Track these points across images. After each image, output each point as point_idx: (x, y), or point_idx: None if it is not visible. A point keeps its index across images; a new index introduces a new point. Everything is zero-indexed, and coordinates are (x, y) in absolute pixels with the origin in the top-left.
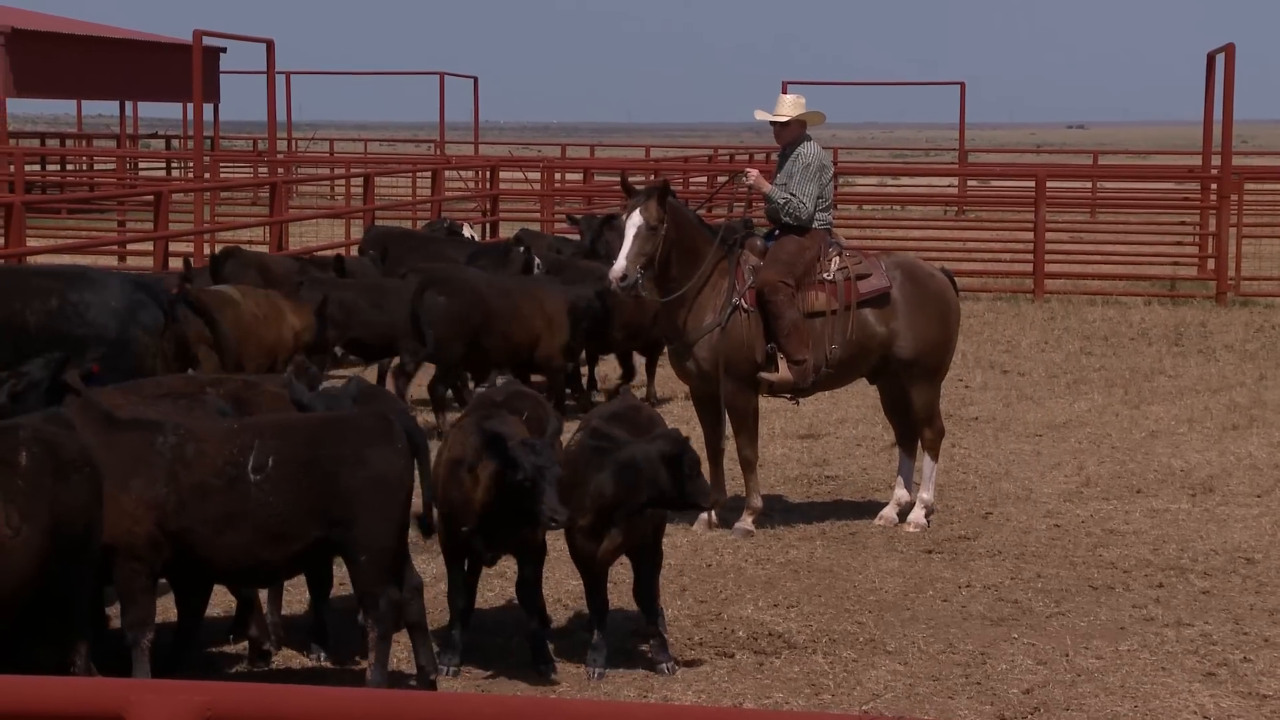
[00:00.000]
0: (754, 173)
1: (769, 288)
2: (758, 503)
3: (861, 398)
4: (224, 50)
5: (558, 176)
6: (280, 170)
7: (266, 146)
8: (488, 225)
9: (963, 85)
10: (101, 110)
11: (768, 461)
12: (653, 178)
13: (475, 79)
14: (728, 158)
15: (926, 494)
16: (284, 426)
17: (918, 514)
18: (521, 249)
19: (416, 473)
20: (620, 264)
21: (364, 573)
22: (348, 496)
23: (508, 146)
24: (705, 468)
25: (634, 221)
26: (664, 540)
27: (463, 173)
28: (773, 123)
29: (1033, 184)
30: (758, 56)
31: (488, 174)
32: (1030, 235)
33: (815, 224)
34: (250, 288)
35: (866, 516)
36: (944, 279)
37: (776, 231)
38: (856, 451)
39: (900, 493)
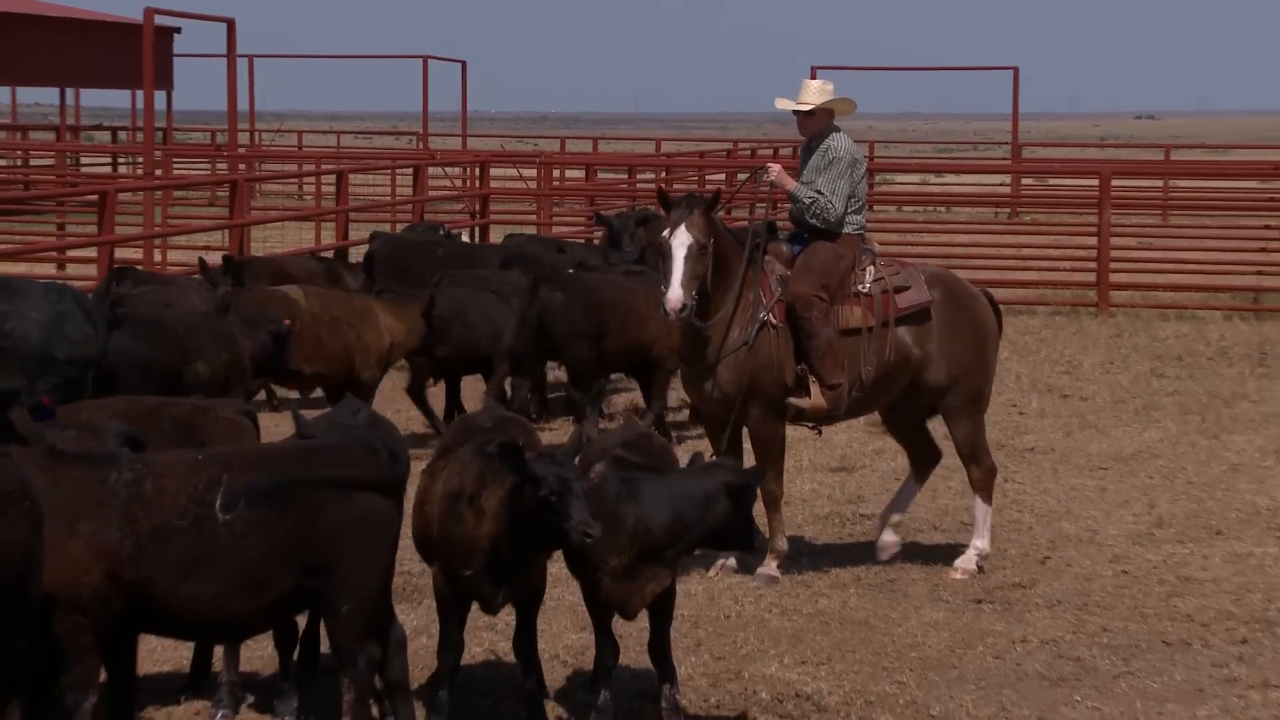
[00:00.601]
0: (776, 168)
1: (801, 302)
2: (783, 545)
3: None
4: (178, 31)
5: (556, 174)
6: (241, 167)
7: (226, 140)
8: (477, 229)
9: (1016, 70)
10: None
11: (794, 498)
12: (664, 175)
13: (463, 63)
14: (749, 152)
15: (981, 541)
16: (257, 458)
17: (969, 559)
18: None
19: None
20: (676, 292)
21: (344, 626)
22: (329, 538)
23: (499, 140)
24: None
25: (682, 240)
26: (677, 587)
27: (448, 169)
28: (796, 112)
29: (1096, 182)
30: (781, 39)
31: (477, 170)
32: (1093, 240)
33: (847, 227)
34: (321, 289)
35: (909, 561)
36: (985, 302)
37: (805, 236)
38: (895, 486)
39: (896, 517)
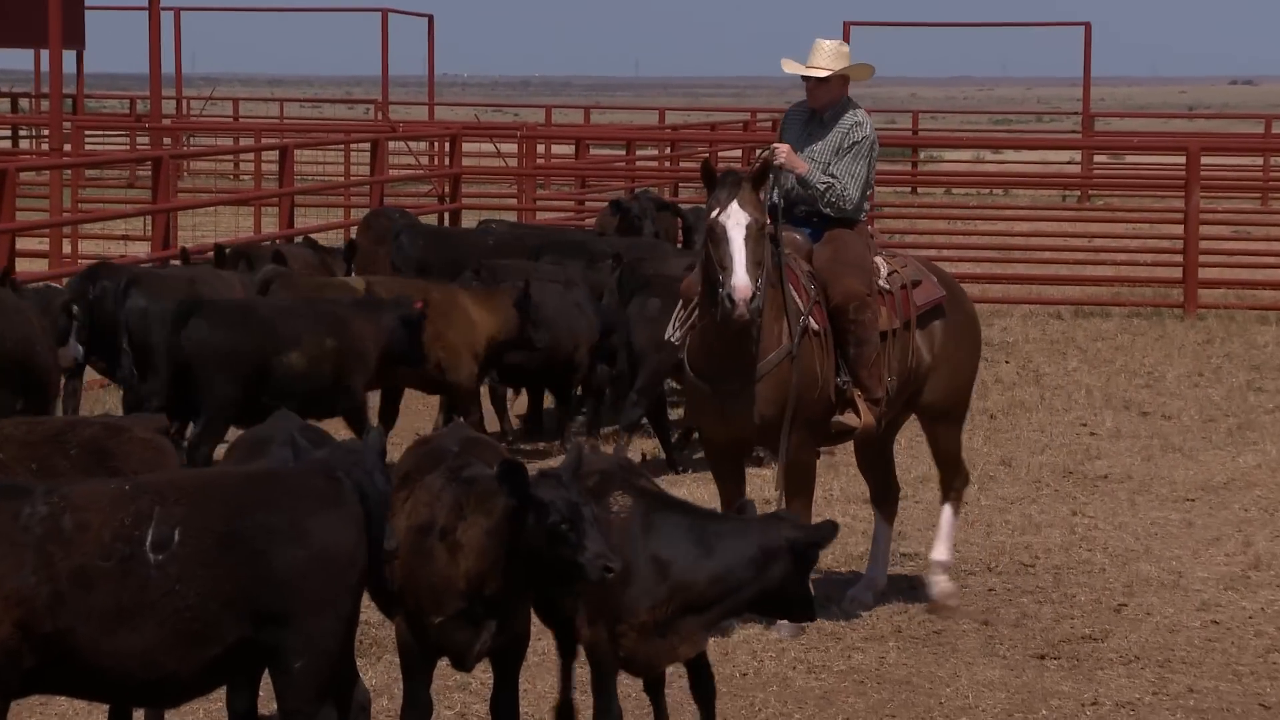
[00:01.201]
0: (784, 148)
1: (857, 302)
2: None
3: None
4: None
5: (540, 149)
6: (166, 141)
7: (147, 109)
8: (446, 215)
9: (1087, 27)
10: None
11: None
12: (669, 150)
13: (429, 18)
14: (769, 124)
15: (943, 554)
16: (195, 488)
17: (940, 581)
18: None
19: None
20: (743, 278)
21: (296, 686)
22: (281, 582)
23: (473, 109)
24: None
25: (739, 220)
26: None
27: (413, 144)
28: (807, 79)
29: (1182, 160)
30: None
31: (446, 145)
32: (1179, 229)
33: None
34: (390, 277)
35: (959, 606)
36: (970, 301)
37: (813, 221)
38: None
39: (876, 570)
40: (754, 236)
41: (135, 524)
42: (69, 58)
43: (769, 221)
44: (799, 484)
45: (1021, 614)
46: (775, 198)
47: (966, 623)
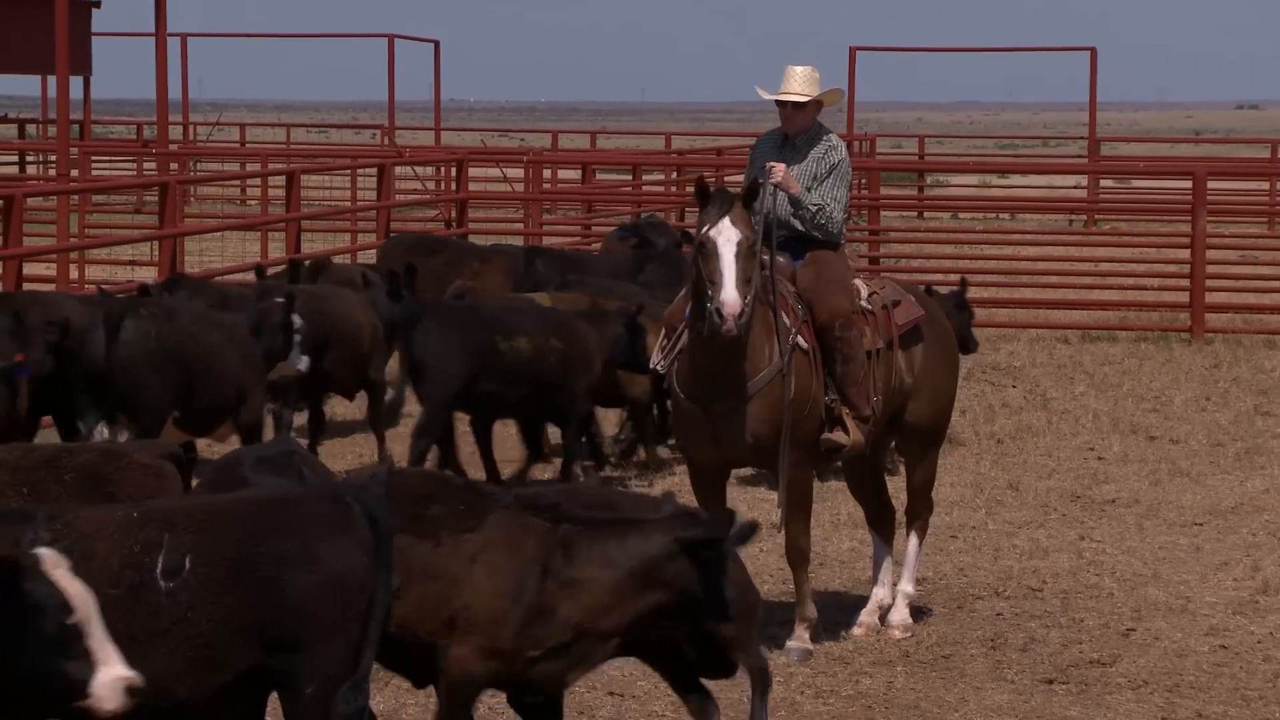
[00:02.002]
0: (780, 168)
1: (842, 320)
2: (813, 612)
3: (957, 473)
4: (97, 5)
5: (546, 174)
6: (173, 166)
7: (154, 134)
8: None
9: (1093, 52)
10: None
11: (831, 558)
12: (674, 175)
13: (436, 43)
14: None
15: (908, 585)
16: (206, 514)
17: (901, 613)
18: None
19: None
20: (732, 293)
21: (306, 711)
22: (292, 608)
23: (479, 134)
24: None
25: (729, 237)
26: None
27: (419, 169)
28: (781, 105)
29: (1189, 184)
30: (811, 16)
31: (452, 170)
32: (1186, 254)
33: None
34: (567, 294)
35: (966, 631)
36: (948, 322)
37: (795, 244)
38: (950, 546)
39: (882, 592)
40: (744, 254)
41: (145, 551)
42: (76, 84)
43: (759, 242)
44: (798, 503)
45: (1029, 639)
46: (768, 218)
47: (974, 647)
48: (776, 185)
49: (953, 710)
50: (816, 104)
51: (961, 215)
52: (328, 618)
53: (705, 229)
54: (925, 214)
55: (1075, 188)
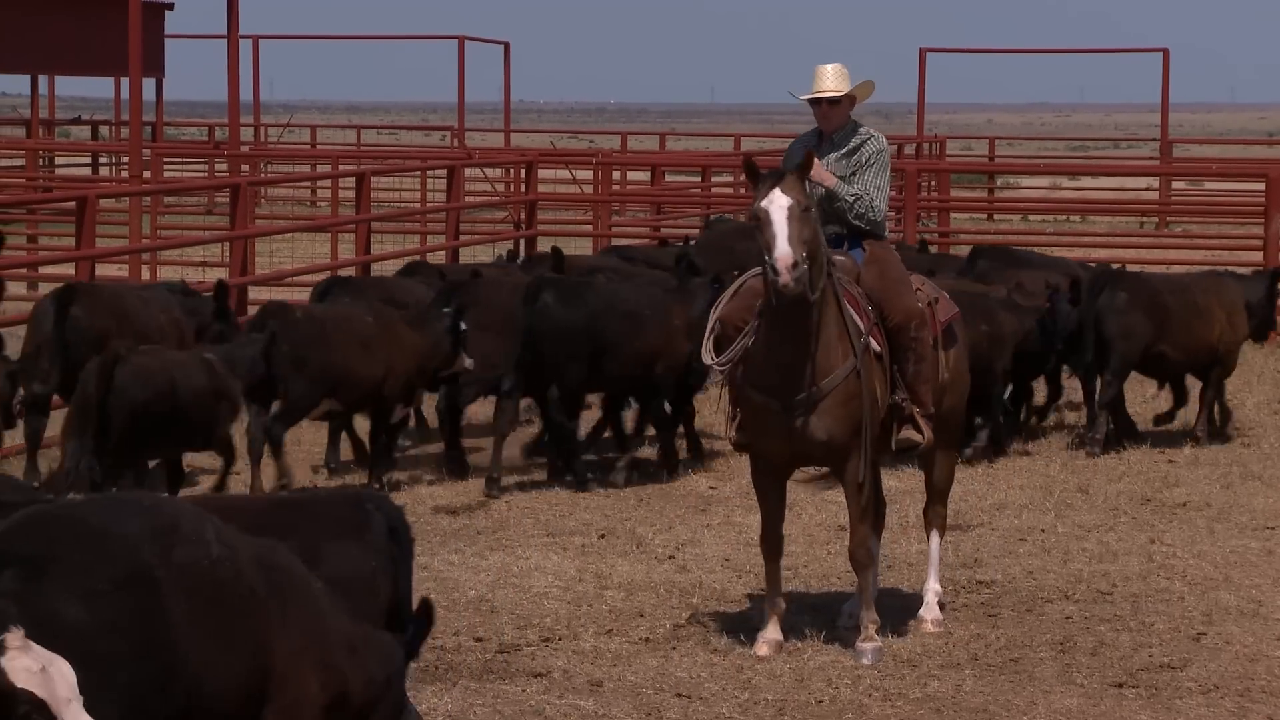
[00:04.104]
0: (815, 163)
1: (917, 320)
2: (877, 616)
3: (1026, 475)
4: (170, 7)
5: (615, 175)
6: (244, 168)
7: (226, 136)
8: (522, 242)
9: (1166, 53)
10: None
11: (899, 561)
12: (743, 177)
13: (506, 45)
14: None
15: (935, 582)
16: (218, 512)
17: (932, 609)
18: None
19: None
20: (785, 248)
21: None
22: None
23: (548, 136)
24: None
25: (779, 203)
26: (758, 667)
27: (489, 170)
28: (816, 104)
29: (1262, 186)
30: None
31: (522, 172)
32: (1259, 256)
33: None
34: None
35: (1035, 634)
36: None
37: (847, 239)
38: (1019, 549)
39: (936, 585)
40: (796, 216)
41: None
42: (149, 86)
43: (814, 209)
44: (866, 505)
45: (1099, 642)
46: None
47: (1044, 650)
48: (809, 177)
49: (1021, 714)
50: (850, 99)
51: (1032, 217)
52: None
53: (759, 202)
54: (995, 216)
55: (1147, 190)
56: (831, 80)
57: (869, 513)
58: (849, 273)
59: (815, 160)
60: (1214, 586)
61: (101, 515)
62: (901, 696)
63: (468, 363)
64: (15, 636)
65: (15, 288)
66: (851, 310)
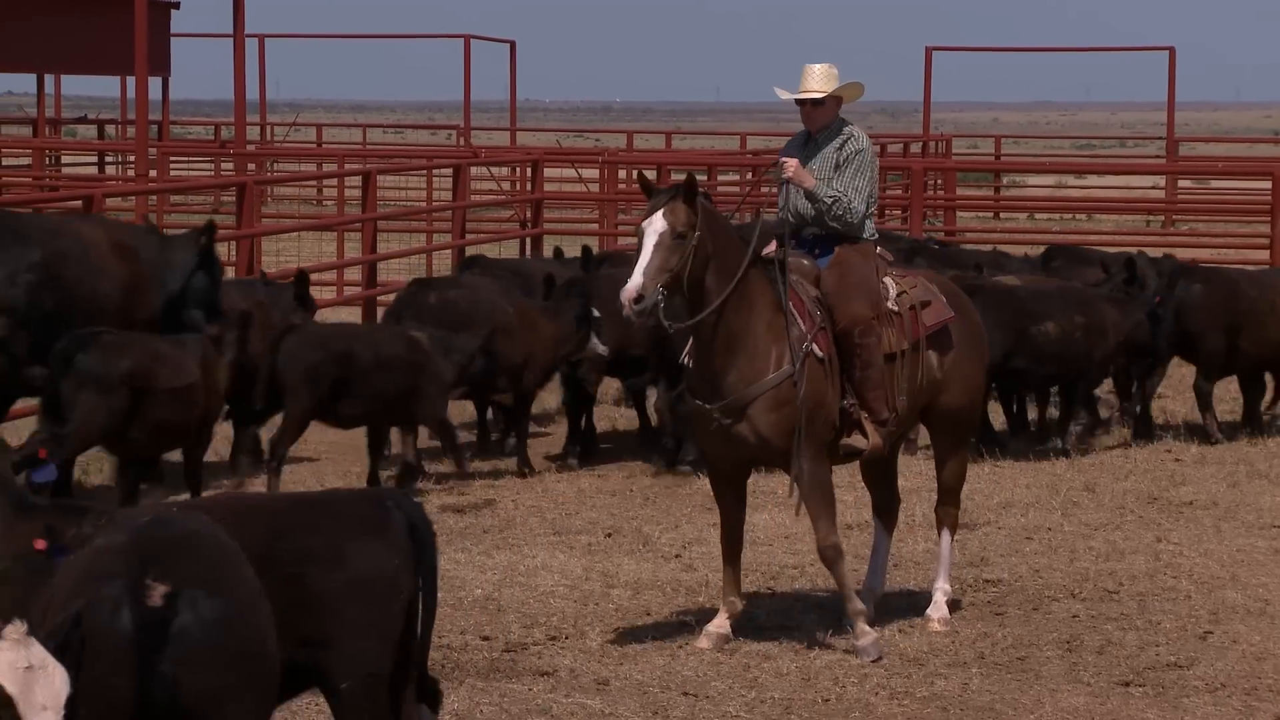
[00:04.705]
0: (793, 163)
1: (862, 327)
2: (859, 604)
3: (1033, 474)
4: (176, 6)
5: (621, 174)
6: (250, 167)
7: (232, 135)
8: (528, 240)
9: (1172, 51)
10: (11, 86)
11: (906, 560)
12: (750, 176)
13: (512, 44)
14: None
15: (944, 582)
16: (243, 510)
17: (941, 607)
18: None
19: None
20: (636, 279)
21: (346, 707)
22: (315, 605)
23: (554, 134)
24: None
25: (654, 227)
26: (764, 665)
27: (495, 169)
28: (802, 103)
29: (1268, 185)
30: (887, 15)
31: (528, 171)
32: (1265, 255)
33: (865, 232)
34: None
35: (1041, 633)
36: (978, 315)
37: (811, 241)
38: (1026, 547)
39: (876, 584)
40: (665, 244)
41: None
42: (155, 84)
43: (695, 233)
44: (821, 505)
45: (1106, 641)
46: (788, 214)
47: (1050, 649)
48: (788, 180)
49: (1028, 712)
50: (836, 100)
51: (1038, 216)
52: (355, 615)
53: (641, 222)
54: (1001, 215)
55: (1153, 188)
56: (817, 80)
57: (829, 509)
58: (807, 276)
59: (796, 162)
60: (1221, 585)
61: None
62: (908, 695)
63: (600, 348)
64: (15, 630)
65: None
66: (796, 315)
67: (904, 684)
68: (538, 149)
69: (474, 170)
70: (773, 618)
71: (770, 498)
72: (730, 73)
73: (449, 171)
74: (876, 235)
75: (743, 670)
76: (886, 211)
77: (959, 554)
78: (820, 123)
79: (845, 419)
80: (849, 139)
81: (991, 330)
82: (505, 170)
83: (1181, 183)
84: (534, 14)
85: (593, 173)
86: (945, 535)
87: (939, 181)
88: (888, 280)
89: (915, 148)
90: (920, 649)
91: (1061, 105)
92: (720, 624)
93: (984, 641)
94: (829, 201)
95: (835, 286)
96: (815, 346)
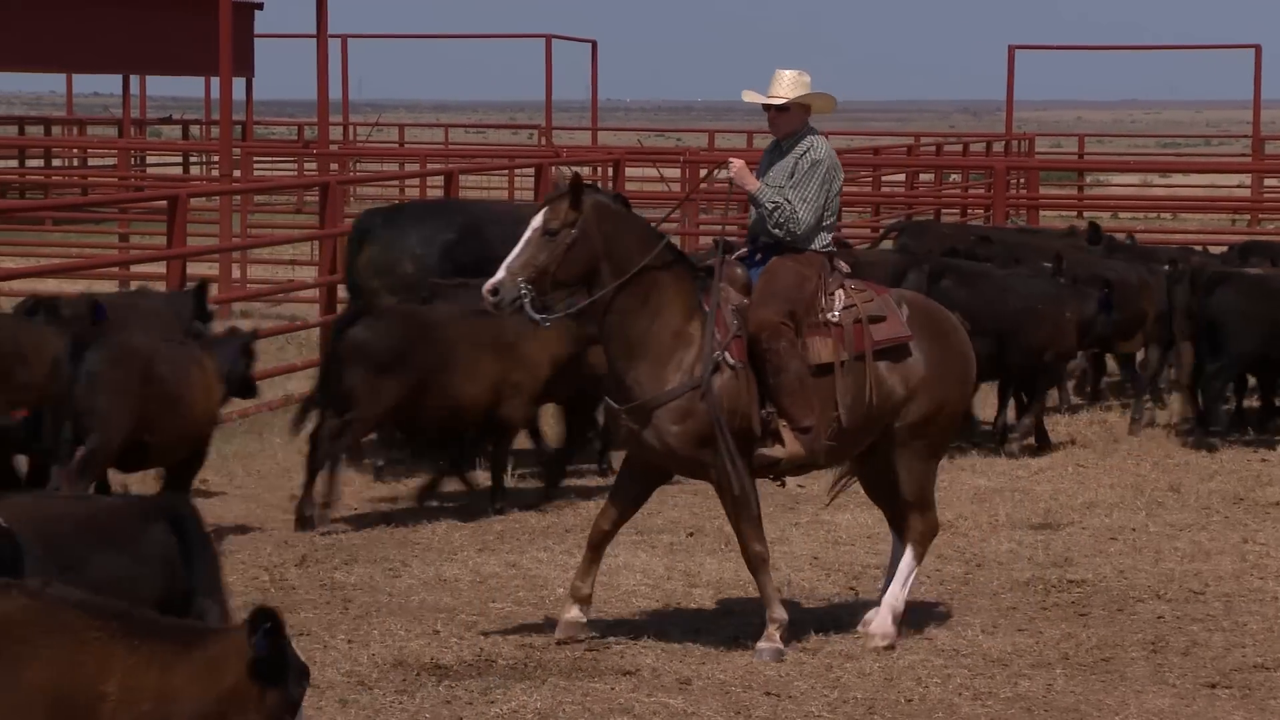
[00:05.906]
0: (737, 163)
1: (768, 331)
2: (781, 612)
3: (1117, 474)
4: (259, 7)
5: (703, 173)
6: (333, 167)
7: (315, 135)
8: None
9: (1258, 49)
10: (98, 88)
11: (989, 560)
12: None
13: (593, 43)
14: (933, 149)
15: (898, 598)
16: (34, 518)
17: (884, 622)
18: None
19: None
20: (498, 274)
21: None
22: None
23: (636, 134)
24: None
25: (533, 223)
26: (847, 665)
27: (576, 168)
28: (767, 108)
29: None
30: (968, 14)
31: (609, 170)
32: None
33: (814, 244)
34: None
35: (1126, 634)
36: (965, 334)
37: (757, 256)
38: (1110, 548)
39: (897, 598)
40: (535, 241)
41: None
42: (239, 85)
43: (569, 230)
44: (741, 510)
45: (1191, 642)
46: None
47: (1135, 650)
48: (730, 179)
49: (1113, 714)
50: (803, 108)
51: (1122, 215)
52: None
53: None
54: (1085, 214)
55: (1238, 187)
56: (784, 87)
57: (750, 516)
58: (735, 283)
59: (741, 163)
60: None
61: None
62: (992, 696)
63: None
64: None
65: (106, 287)
66: (715, 326)
67: (988, 685)
68: (619, 148)
69: (555, 170)
70: (856, 618)
71: (854, 497)
72: (812, 72)
73: (530, 171)
74: (832, 249)
75: (825, 670)
76: (969, 210)
77: (1042, 554)
78: (784, 129)
79: (764, 428)
80: (809, 149)
81: (1250, 322)
82: (587, 170)
83: (1267, 181)
84: (615, 14)
85: (674, 172)
86: (908, 550)
87: (1022, 181)
88: (839, 292)
89: (998, 146)
90: (1004, 650)
91: (1146, 104)
92: (573, 614)
93: (1068, 642)
94: (770, 207)
95: (755, 294)
96: (728, 355)
